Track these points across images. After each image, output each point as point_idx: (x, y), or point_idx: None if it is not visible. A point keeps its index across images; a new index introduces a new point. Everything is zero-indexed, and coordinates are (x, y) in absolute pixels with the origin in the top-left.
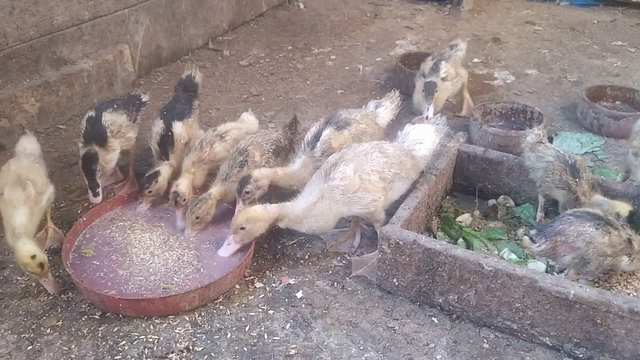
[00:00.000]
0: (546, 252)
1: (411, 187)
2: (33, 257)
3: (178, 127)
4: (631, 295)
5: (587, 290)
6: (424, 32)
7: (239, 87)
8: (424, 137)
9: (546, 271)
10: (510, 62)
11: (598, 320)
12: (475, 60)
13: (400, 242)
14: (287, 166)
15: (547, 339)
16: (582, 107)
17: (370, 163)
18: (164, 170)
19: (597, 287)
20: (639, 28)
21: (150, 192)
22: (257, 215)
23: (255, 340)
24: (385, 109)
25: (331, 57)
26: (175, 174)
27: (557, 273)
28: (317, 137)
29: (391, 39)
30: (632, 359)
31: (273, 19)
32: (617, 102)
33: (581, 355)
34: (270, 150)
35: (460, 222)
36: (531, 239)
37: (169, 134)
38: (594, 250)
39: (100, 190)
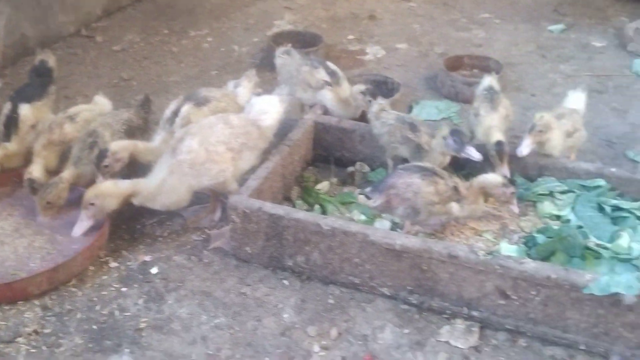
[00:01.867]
0: (382, 206)
1: (264, 158)
2: None
3: (24, 109)
4: (461, 243)
5: (412, 239)
6: (303, 11)
7: (109, 72)
8: (269, 108)
9: (391, 229)
10: (383, 37)
11: (424, 267)
12: (350, 37)
13: (247, 211)
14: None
15: (385, 289)
16: (440, 76)
17: (216, 135)
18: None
19: (433, 238)
20: (506, 0)
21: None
22: (106, 191)
23: (105, 318)
24: (244, 88)
25: (208, 39)
26: (20, 157)
27: (401, 229)
28: (175, 113)
29: (270, 20)
30: (458, 300)
31: (152, 3)
32: (475, 70)
33: (415, 302)
34: (122, 130)
35: (319, 189)
36: (366, 196)
37: (14, 115)
38: (422, 200)
39: None
